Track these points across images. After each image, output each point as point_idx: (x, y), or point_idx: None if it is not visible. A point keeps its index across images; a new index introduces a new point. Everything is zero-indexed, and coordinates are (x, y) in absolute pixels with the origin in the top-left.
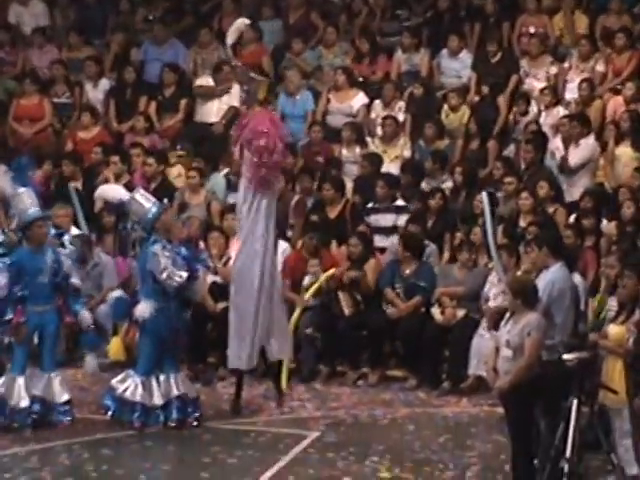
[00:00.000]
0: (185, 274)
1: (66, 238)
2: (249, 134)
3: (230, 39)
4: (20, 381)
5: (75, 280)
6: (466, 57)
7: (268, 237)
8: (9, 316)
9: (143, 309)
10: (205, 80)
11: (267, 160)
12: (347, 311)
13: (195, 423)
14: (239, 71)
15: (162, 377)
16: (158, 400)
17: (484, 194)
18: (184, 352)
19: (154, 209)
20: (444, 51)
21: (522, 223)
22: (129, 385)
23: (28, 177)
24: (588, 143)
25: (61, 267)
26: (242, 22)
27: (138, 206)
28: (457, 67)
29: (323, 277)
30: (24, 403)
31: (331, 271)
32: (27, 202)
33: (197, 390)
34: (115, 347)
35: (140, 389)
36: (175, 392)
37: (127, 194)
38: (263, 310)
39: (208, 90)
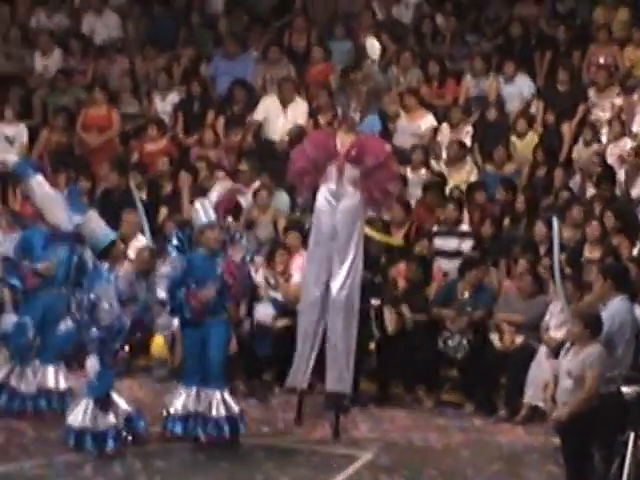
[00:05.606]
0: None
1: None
2: (383, 158)
3: None
4: None
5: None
6: (521, 81)
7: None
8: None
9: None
10: (271, 98)
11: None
12: (390, 328)
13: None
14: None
15: (205, 392)
16: (216, 412)
17: (554, 219)
18: (239, 368)
19: (201, 221)
20: (500, 78)
21: (587, 253)
22: (183, 400)
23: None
24: None
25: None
26: None
27: (195, 216)
28: (513, 91)
29: None
30: None
31: None
32: (96, 225)
33: (252, 406)
34: (156, 344)
35: (193, 400)
36: (222, 411)
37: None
38: (324, 332)
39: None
